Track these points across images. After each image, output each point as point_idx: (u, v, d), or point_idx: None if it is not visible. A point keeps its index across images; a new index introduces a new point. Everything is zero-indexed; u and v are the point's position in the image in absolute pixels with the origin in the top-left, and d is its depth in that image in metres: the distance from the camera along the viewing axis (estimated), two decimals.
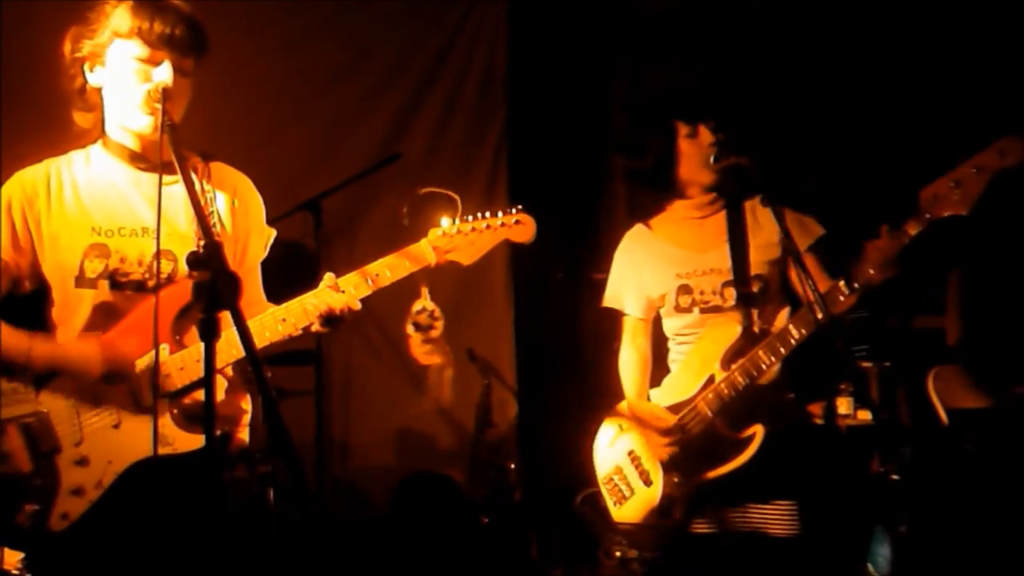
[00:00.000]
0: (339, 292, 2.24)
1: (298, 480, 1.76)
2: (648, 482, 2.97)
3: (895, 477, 3.54)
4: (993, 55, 4.15)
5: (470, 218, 2.39)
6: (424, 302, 2.38)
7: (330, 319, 2.24)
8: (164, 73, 2.19)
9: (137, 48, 2.19)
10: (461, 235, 2.37)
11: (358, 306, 2.26)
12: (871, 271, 2.61)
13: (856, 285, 2.63)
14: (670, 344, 3.11)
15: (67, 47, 2.26)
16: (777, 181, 2.73)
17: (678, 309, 3.01)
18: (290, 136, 4.57)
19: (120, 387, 2.19)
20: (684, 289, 2.99)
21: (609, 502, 3.05)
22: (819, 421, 3.85)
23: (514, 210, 2.43)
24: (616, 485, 3.04)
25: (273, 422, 1.75)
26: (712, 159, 2.84)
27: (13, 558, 3.02)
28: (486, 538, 4.32)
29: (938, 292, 4.25)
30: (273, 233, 2.48)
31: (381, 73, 4.83)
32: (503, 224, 2.40)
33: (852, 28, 4.49)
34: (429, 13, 4.93)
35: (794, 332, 2.72)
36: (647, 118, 3.04)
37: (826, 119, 4.53)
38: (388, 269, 2.30)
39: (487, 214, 2.40)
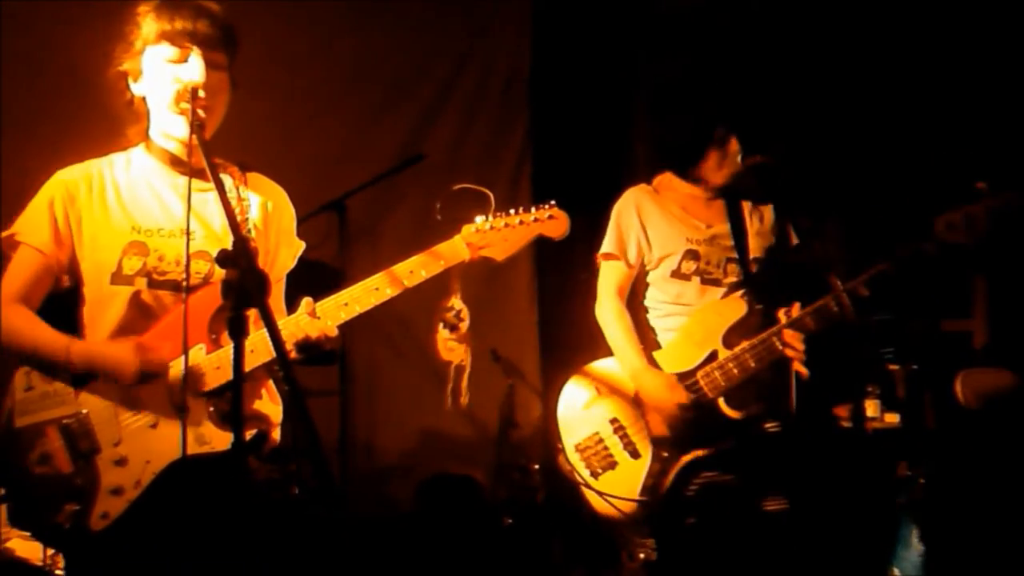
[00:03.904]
0: (316, 318, 2.22)
1: (325, 476, 1.77)
2: (635, 454, 2.90)
3: (922, 480, 3.52)
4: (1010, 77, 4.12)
5: (503, 214, 2.39)
6: (454, 300, 2.37)
7: (306, 346, 2.23)
8: (194, 67, 2.20)
9: (166, 50, 2.22)
10: (495, 231, 2.36)
11: (335, 332, 2.24)
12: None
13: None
14: (655, 315, 3.05)
15: (111, 64, 2.30)
16: (799, 180, 2.77)
17: (676, 275, 2.98)
18: (314, 137, 4.57)
19: (155, 388, 2.20)
20: (692, 255, 2.98)
21: (583, 471, 2.94)
22: (846, 424, 3.84)
23: (547, 205, 2.42)
24: (594, 453, 2.93)
25: (301, 419, 1.76)
26: (740, 158, 2.86)
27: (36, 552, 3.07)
28: (509, 539, 4.32)
29: (965, 295, 4.23)
30: (302, 246, 2.49)
31: (404, 73, 4.84)
32: (536, 219, 2.39)
33: (873, 37, 4.46)
34: (453, 13, 4.93)
35: (809, 322, 2.79)
36: (693, 105, 3.02)
37: (841, 122, 4.50)
38: (422, 268, 2.29)
39: (520, 210, 2.40)
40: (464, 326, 2.38)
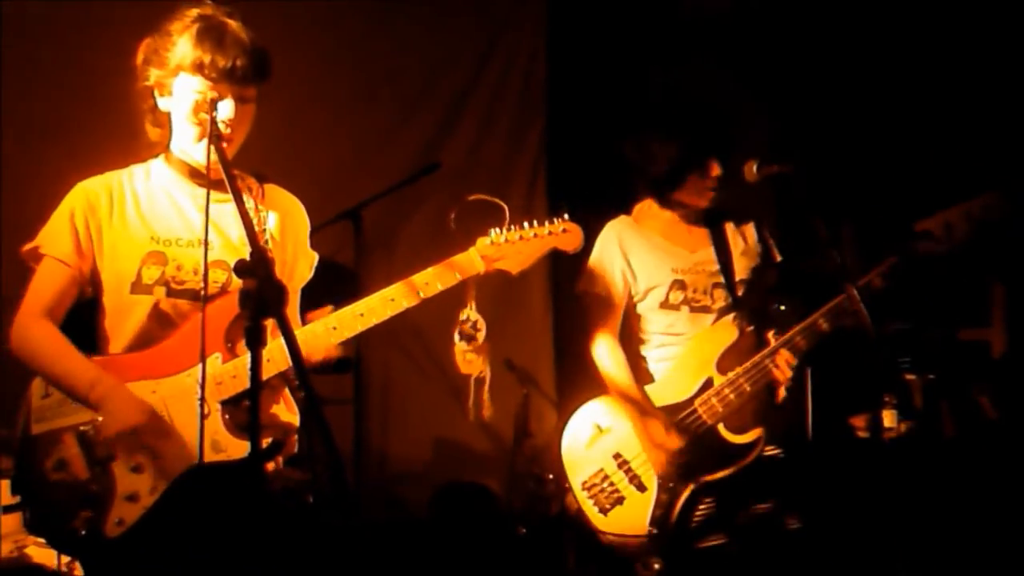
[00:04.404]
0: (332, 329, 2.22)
1: (341, 484, 1.78)
2: (642, 487, 2.89)
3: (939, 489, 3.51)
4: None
5: (517, 227, 2.40)
6: (469, 312, 2.37)
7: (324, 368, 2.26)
8: (225, 107, 2.21)
9: (198, 83, 2.21)
10: (509, 244, 2.37)
11: (338, 352, 2.25)
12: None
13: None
14: (647, 346, 3.04)
15: (137, 68, 2.30)
16: (814, 188, 2.77)
17: (665, 305, 2.97)
18: (329, 146, 4.58)
19: (172, 395, 2.21)
20: (678, 285, 2.96)
21: (591, 509, 2.92)
22: (863, 434, 3.82)
23: (561, 219, 2.44)
24: (601, 491, 2.92)
25: (318, 426, 1.77)
26: (755, 168, 2.85)
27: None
28: (523, 548, 4.31)
29: (984, 303, 4.20)
30: (316, 257, 2.51)
31: (420, 82, 4.85)
32: (551, 233, 2.41)
33: (883, 41, 4.45)
34: (468, 21, 4.93)
35: (800, 342, 2.80)
36: (665, 131, 2.96)
37: (851, 128, 4.49)
38: (437, 280, 2.31)
39: (535, 223, 2.41)
40: (481, 336, 2.39)
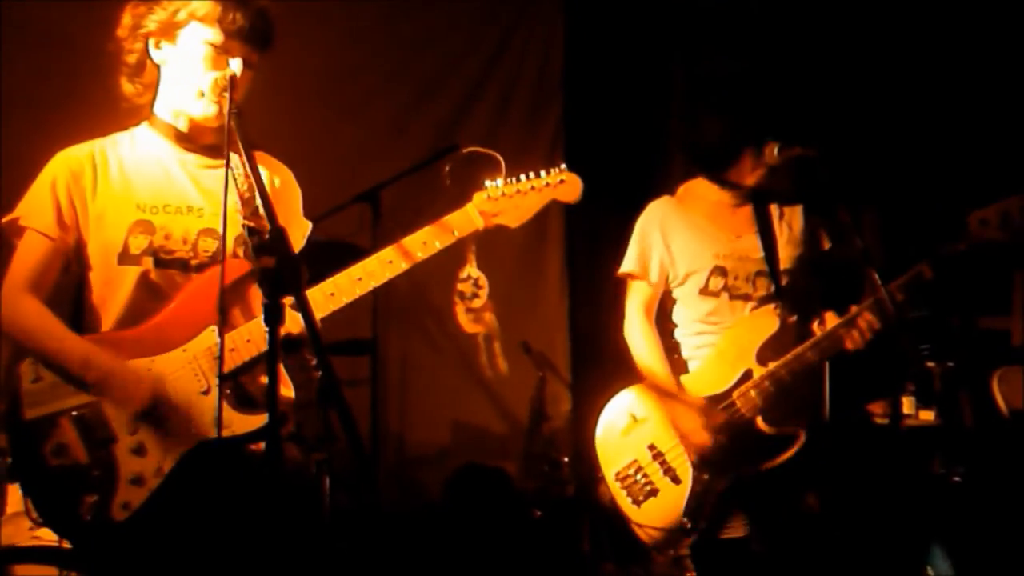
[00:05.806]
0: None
1: (362, 461, 1.76)
2: (676, 480, 2.85)
3: (956, 479, 3.48)
4: None
5: (514, 180, 2.32)
6: (470, 269, 2.30)
7: (289, 343, 2.15)
8: (235, 66, 2.18)
9: (212, 35, 2.18)
10: (507, 198, 2.31)
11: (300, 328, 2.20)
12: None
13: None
14: (684, 332, 2.99)
15: (127, 19, 2.24)
16: (837, 172, 2.73)
17: (704, 292, 2.91)
18: (348, 131, 4.59)
19: (173, 371, 2.17)
20: (719, 271, 2.90)
21: (624, 500, 2.89)
22: (881, 420, 3.80)
23: (558, 169, 2.36)
24: (634, 481, 2.88)
25: (338, 404, 1.75)
26: (776, 150, 2.79)
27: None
28: (538, 532, 4.31)
29: (1005, 291, 4.17)
30: (310, 226, 2.46)
31: (438, 67, 4.85)
32: (548, 184, 2.34)
33: (908, 26, 4.40)
34: (486, 6, 4.93)
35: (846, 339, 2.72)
36: (719, 107, 2.92)
37: (885, 129, 4.43)
38: (435, 239, 2.25)
39: (531, 174, 2.33)
40: (484, 294, 2.30)
